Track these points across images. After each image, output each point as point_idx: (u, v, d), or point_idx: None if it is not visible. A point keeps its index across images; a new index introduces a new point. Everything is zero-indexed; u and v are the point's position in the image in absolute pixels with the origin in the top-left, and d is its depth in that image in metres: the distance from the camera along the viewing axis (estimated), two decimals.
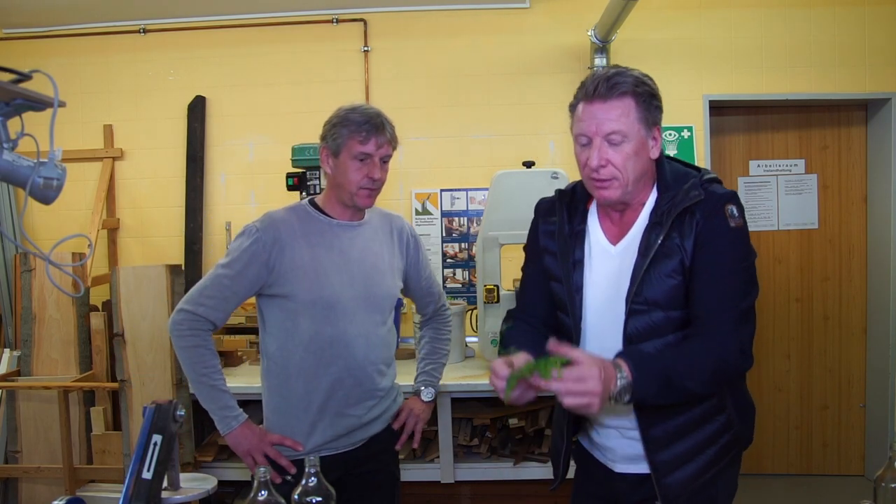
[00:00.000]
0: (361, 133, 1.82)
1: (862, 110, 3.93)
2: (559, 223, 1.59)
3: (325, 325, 1.84)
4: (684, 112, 3.73)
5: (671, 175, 1.51)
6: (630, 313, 1.46)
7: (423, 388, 2.12)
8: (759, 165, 3.99)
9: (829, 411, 4.02)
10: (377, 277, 1.93)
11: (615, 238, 1.54)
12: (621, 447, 1.56)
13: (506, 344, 1.59)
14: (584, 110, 1.46)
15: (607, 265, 1.53)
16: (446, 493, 2.96)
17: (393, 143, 1.89)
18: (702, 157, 3.71)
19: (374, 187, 1.88)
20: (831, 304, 3.99)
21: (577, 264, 1.54)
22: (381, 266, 1.95)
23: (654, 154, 1.49)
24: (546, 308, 1.62)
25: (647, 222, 1.49)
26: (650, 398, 1.37)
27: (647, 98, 1.46)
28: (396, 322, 2.10)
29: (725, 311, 1.42)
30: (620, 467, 1.57)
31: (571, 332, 1.54)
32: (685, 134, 3.71)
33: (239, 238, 1.87)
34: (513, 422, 2.87)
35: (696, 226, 1.44)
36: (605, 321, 1.50)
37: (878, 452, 3.86)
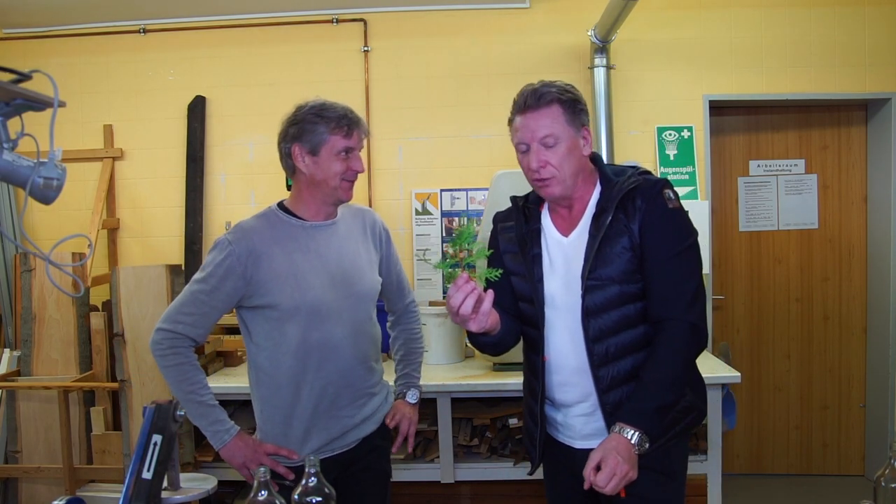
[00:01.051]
0: (343, 128, 1.82)
1: (862, 110, 3.93)
2: (517, 225, 1.77)
3: (311, 331, 1.83)
4: (684, 112, 3.73)
5: (611, 172, 1.70)
6: (587, 290, 1.62)
7: (406, 391, 2.11)
8: (759, 165, 3.99)
9: (829, 411, 4.02)
10: (357, 275, 1.91)
11: (567, 231, 1.71)
12: (581, 424, 1.70)
13: None
14: (519, 122, 1.66)
15: (561, 254, 1.70)
16: (446, 493, 2.96)
17: (367, 134, 1.93)
18: (702, 157, 3.71)
19: (355, 179, 1.89)
20: (831, 304, 3.99)
21: (535, 258, 1.72)
22: (360, 263, 1.94)
23: (586, 151, 1.68)
24: (510, 300, 1.78)
25: (593, 212, 1.67)
26: (662, 426, 1.57)
27: (571, 104, 1.64)
28: (381, 320, 2.07)
29: (677, 297, 1.60)
30: (580, 444, 1.71)
31: (534, 319, 1.71)
32: (685, 134, 3.71)
33: (212, 252, 1.84)
34: (513, 422, 2.87)
35: (638, 210, 1.61)
36: (564, 303, 1.67)
37: (878, 452, 3.86)
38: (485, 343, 1.71)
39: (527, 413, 1.82)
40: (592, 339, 1.63)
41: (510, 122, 1.71)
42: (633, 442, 1.49)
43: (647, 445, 1.50)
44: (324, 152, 1.82)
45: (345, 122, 1.82)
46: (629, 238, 1.61)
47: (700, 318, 1.61)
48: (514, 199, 1.85)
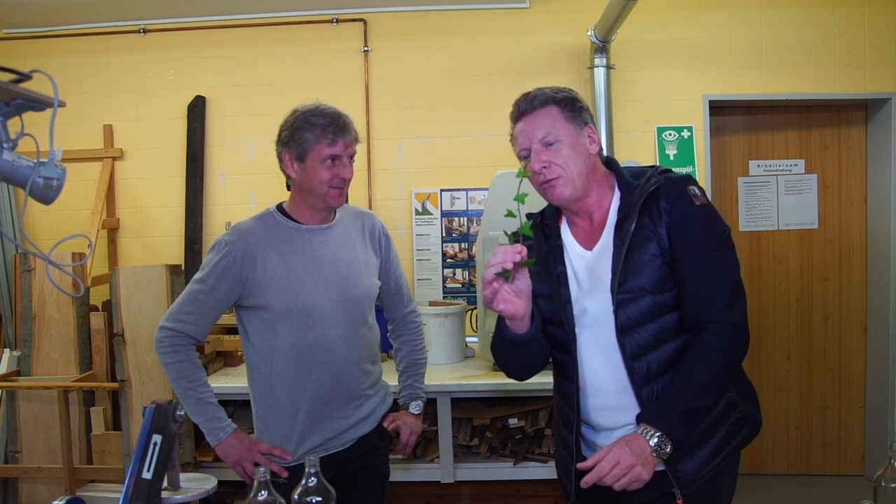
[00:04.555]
0: (328, 136, 1.80)
1: (862, 110, 3.93)
2: (537, 244, 1.64)
3: (304, 333, 1.84)
4: (684, 112, 3.73)
5: (629, 175, 1.60)
6: (618, 304, 1.50)
7: (410, 402, 2.11)
8: (759, 165, 3.99)
9: (829, 411, 4.02)
10: (353, 279, 1.91)
11: (589, 244, 1.60)
12: None
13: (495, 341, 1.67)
14: (517, 129, 1.59)
15: (587, 269, 1.58)
16: (446, 493, 2.96)
17: (357, 139, 1.88)
18: (702, 157, 3.71)
19: (345, 186, 1.87)
20: (831, 304, 3.99)
21: (560, 277, 1.60)
22: (357, 266, 1.94)
23: (593, 150, 1.59)
24: (536, 323, 1.63)
25: (616, 220, 1.56)
26: (687, 435, 1.45)
27: (568, 102, 1.57)
28: (381, 324, 2.07)
29: (714, 298, 1.49)
30: None
31: (565, 343, 1.59)
32: (685, 134, 3.71)
33: (210, 253, 1.86)
34: (513, 422, 2.87)
35: (663, 212, 1.51)
36: (596, 322, 1.55)
37: (878, 452, 3.86)
38: (512, 343, 1.58)
39: (560, 444, 1.69)
40: (631, 357, 1.50)
41: (511, 135, 1.64)
42: (651, 444, 1.39)
43: (668, 449, 1.40)
44: (310, 160, 1.82)
45: (330, 130, 1.80)
46: (657, 243, 1.51)
47: (740, 317, 1.49)
48: (530, 216, 1.72)
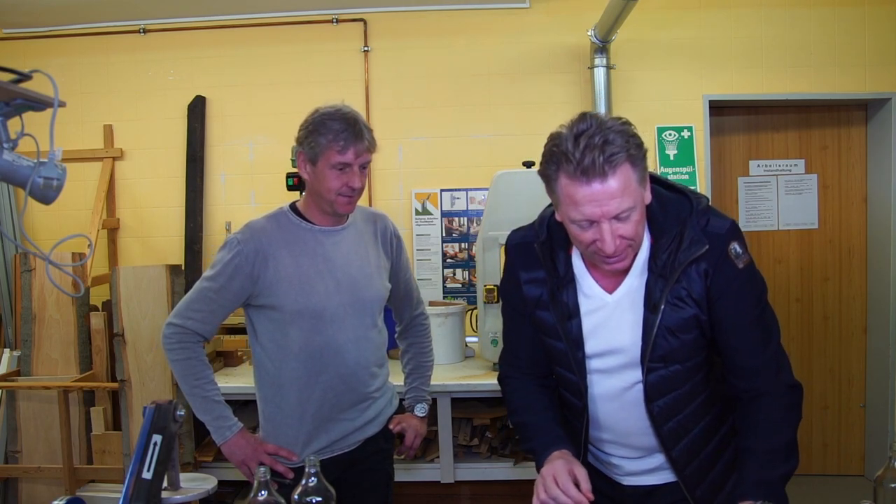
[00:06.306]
0: (339, 142, 1.76)
1: (862, 110, 3.92)
2: (548, 274, 1.46)
3: (314, 334, 1.83)
4: (684, 112, 3.73)
5: (658, 207, 1.39)
6: (648, 371, 1.40)
7: (416, 405, 2.12)
8: (759, 165, 3.99)
9: (829, 411, 4.01)
10: (364, 281, 1.90)
11: (609, 285, 1.43)
12: (627, 465, 1.55)
13: (511, 401, 1.59)
14: (581, 192, 1.24)
15: (604, 316, 1.43)
16: (446, 493, 2.96)
17: (371, 148, 1.83)
18: (702, 157, 3.71)
19: (354, 195, 1.83)
20: (831, 304, 3.99)
21: (571, 317, 1.43)
22: (368, 269, 1.93)
23: (648, 200, 1.35)
24: (545, 363, 1.54)
25: (645, 270, 1.39)
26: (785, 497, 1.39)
27: (637, 152, 1.28)
28: (389, 325, 2.07)
29: (764, 367, 1.42)
30: (628, 480, 1.56)
31: (575, 387, 1.48)
32: (685, 134, 3.71)
33: (221, 251, 1.85)
34: None
35: (704, 275, 1.36)
36: (616, 376, 1.45)
37: (878, 452, 3.86)
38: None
39: None
40: (659, 423, 1.42)
41: (550, 178, 1.29)
42: None
43: None
44: (320, 164, 1.80)
45: (342, 137, 1.76)
46: (694, 311, 1.37)
47: (792, 375, 1.43)
48: (536, 239, 1.48)
